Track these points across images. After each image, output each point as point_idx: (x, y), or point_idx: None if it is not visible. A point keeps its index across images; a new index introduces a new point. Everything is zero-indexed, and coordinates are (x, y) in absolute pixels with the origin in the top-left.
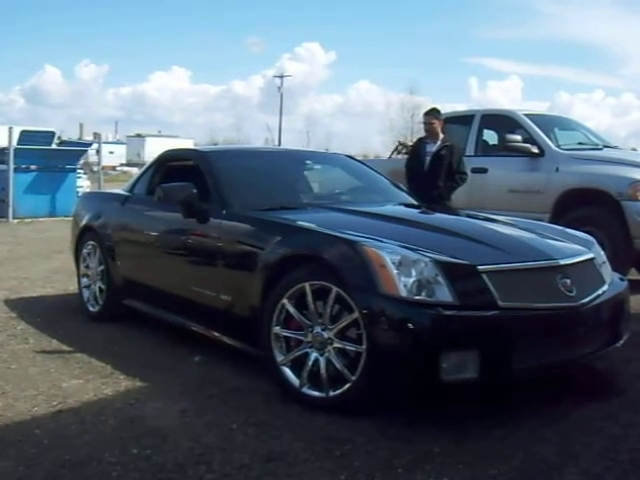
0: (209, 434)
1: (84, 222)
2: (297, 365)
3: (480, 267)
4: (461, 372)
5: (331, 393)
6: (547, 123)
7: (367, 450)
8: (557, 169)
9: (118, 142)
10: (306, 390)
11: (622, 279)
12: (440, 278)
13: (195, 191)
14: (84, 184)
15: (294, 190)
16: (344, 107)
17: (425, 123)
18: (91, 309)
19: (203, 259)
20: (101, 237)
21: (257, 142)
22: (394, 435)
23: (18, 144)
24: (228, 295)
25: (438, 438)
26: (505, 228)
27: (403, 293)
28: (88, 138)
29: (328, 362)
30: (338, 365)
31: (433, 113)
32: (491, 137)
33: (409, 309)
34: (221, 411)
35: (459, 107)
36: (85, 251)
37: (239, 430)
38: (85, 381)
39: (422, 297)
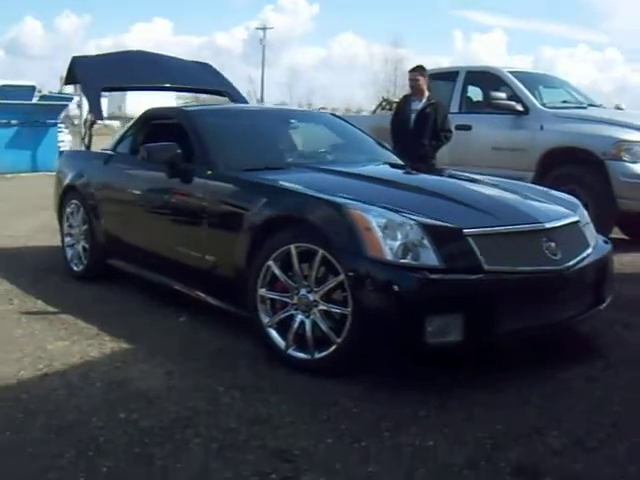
0: (195, 397)
1: (67, 181)
2: (283, 327)
3: (466, 230)
4: (445, 335)
5: (317, 355)
6: (532, 81)
7: (353, 413)
8: (541, 127)
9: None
10: (292, 352)
11: (606, 241)
12: (426, 241)
13: (179, 151)
14: (65, 138)
15: (279, 150)
16: (327, 60)
17: (410, 80)
18: (75, 268)
19: (187, 219)
20: (84, 196)
21: None
22: (380, 399)
23: None
24: (213, 256)
25: (424, 402)
26: (490, 190)
27: (388, 256)
28: (69, 91)
29: (314, 324)
30: (324, 327)
31: (418, 70)
32: (475, 94)
33: (394, 272)
34: (207, 373)
35: (443, 60)
36: (68, 210)
37: (225, 393)
38: (71, 343)
39: (407, 260)
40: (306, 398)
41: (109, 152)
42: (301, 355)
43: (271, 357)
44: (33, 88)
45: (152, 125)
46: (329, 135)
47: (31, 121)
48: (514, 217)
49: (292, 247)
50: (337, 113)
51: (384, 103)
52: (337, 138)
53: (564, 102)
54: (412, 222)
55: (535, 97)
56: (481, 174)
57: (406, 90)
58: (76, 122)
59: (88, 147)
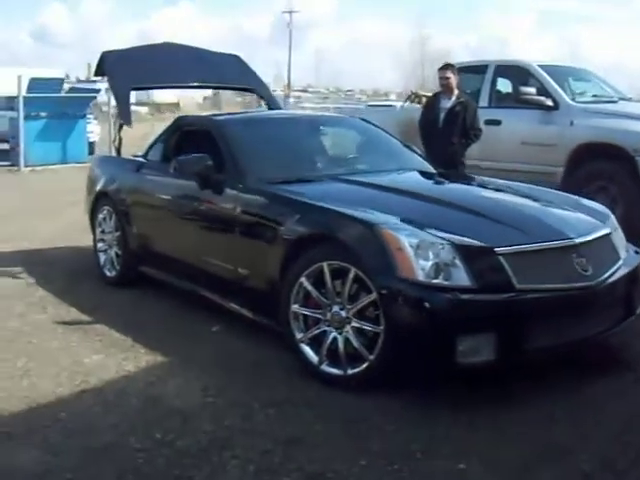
0: (231, 415)
1: (99, 187)
2: (316, 342)
3: (497, 249)
4: (477, 355)
5: (349, 371)
6: (561, 74)
7: (385, 432)
8: (572, 123)
9: None
10: (325, 367)
11: (637, 252)
12: (457, 261)
13: (210, 163)
14: (94, 129)
15: (309, 160)
16: (353, 42)
17: (440, 78)
18: (108, 274)
19: (219, 231)
20: (116, 203)
21: (266, 78)
22: (411, 417)
23: (27, 92)
24: (246, 269)
25: (453, 420)
26: (519, 202)
27: (420, 277)
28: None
29: (346, 341)
30: (356, 344)
31: (449, 68)
32: (505, 88)
33: (426, 293)
34: (242, 388)
35: (470, 39)
36: (101, 216)
37: (260, 410)
38: (106, 356)
39: (439, 281)
40: (340, 416)
41: (141, 159)
42: (334, 371)
43: (304, 370)
44: (62, 80)
45: (183, 133)
46: (359, 141)
47: (60, 113)
48: (544, 233)
49: (325, 264)
50: (364, 96)
51: (413, 96)
52: (367, 144)
53: (594, 96)
54: (444, 242)
55: (565, 91)
56: (510, 176)
57: (432, 75)
58: (104, 109)
59: (118, 150)
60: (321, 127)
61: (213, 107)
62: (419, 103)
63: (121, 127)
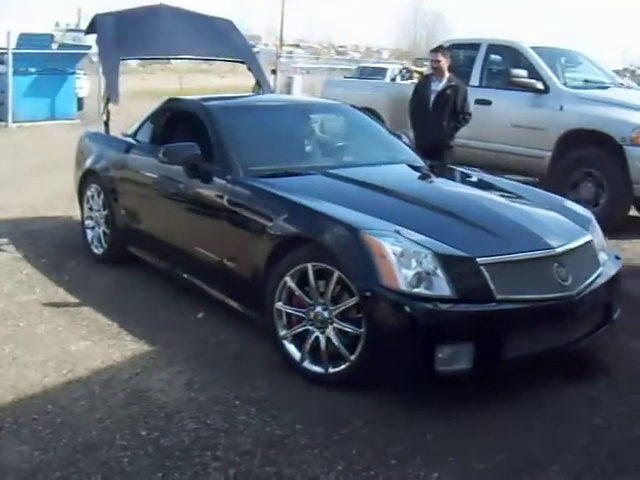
0: (213, 413)
1: (88, 165)
2: (299, 339)
3: (479, 259)
4: (455, 363)
5: (330, 370)
6: (554, 56)
7: (363, 435)
8: (561, 107)
9: None
10: (307, 365)
11: (618, 257)
12: (439, 271)
13: (199, 152)
14: (83, 84)
15: (299, 152)
16: None
17: (432, 60)
18: (96, 251)
19: (206, 221)
20: (104, 183)
21: (258, 31)
22: (389, 418)
23: (16, 47)
24: (232, 262)
25: (431, 423)
26: (504, 205)
27: (402, 286)
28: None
29: (328, 340)
30: (338, 344)
31: (439, 51)
32: (497, 68)
33: (407, 301)
34: (224, 384)
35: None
36: (89, 193)
37: (242, 408)
38: (93, 343)
39: (420, 290)
40: (320, 415)
41: (130, 140)
42: (315, 368)
43: (286, 366)
44: (52, 36)
45: (173, 115)
46: (348, 131)
47: (49, 69)
48: (526, 242)
49: (309, 265)
50: (357, 53)
51: (404, 71)
52: (356, 134)
53: (585, 81)
54: (427, 251)
55: (557, 75)
56: (499, 158)
57: (425, 35)
58: (94, 59)
59: (107, 124)
60: (311, 116)
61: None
62: (410, 78)
63: (109, 100)
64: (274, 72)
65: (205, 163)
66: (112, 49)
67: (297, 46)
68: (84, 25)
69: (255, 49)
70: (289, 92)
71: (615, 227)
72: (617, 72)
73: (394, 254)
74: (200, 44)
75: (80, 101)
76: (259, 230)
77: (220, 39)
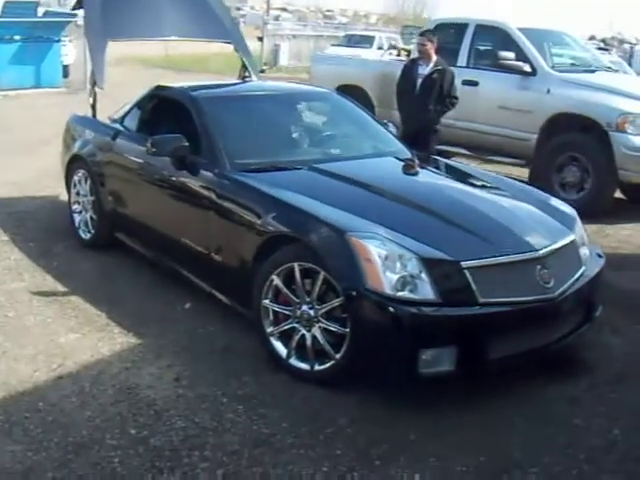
0: (201, 410)
1: (75, 150)
2: (285, 336)
3: (463, 263)
4: (438, 365)
5: (316, 367)
6: (541, 38)
7: (348, 434)
8: (548, 91)
9: None
10: (293, 361)
11: (600, 255)
12: (424, 275)
13: (186, 144)
14: (69, 52)
15: (286, 145)
16: None
17: (418, 44)
18: (83, 236)
19: (194, 213)
20: (91, 169)
21: None
22: (374, 417)
23: (1, 15)
24: (219, 255)
25: (415, 422)
26: (488, 203)
27: (387, 289)
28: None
29: (314, 338)
30: (323, 343)
31: (427, 35)
32: (484, 49)
33: (391, 305)
34: (212, 379)
35: None
36: (76, 178)
37: (229, 405)
38: (82, 335)
39: (405, 293)
40: (305, 414)
41: (118, 127)
42: (301, 365)
43: (272, 362)
44: (36, 4)
45: (161, 103)
46: (336, 121)
47: (34, 37)
48: (510, 244)
49: (295, 265)
50: (344, 17)
51: (391, 48)
52: (344, 125)
53: (572, 65)
54: (411, 254)
55: (544, 57)
56: (485, 139)
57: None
58: (79, 22)
59: (93, 107)
60: (298, 106)
61: None
62: (398, 56)
63: (95, 84)
64: (260, 39)
65: (192, 155)
66: (99, 29)
67: (284, 10)
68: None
69: (242, 12)
70: (276, 59)
71: (599, 212)
72: (604, 41)
73: (379, 257)
74: (190, 25)
75: (66, 68)
76: (247, 226)
77: (209, 19)
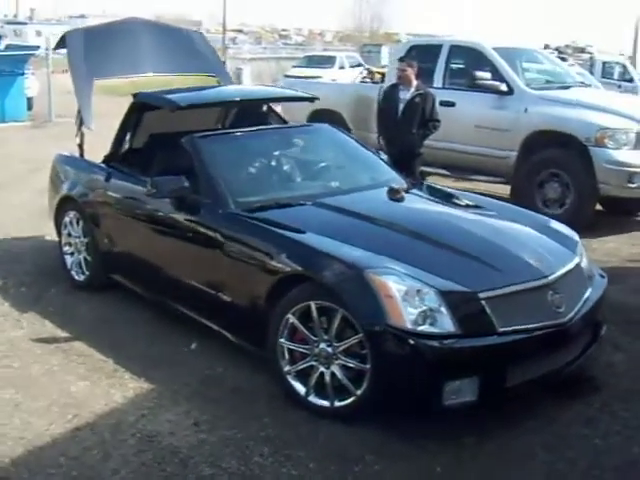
0: (226, 455)
1: (65, 191)
2: (303, 374)
3: (481, 294)
4: (460, 396)
5: (337, 403)
6: (515, 57)
7: (376, 472)
8: (526, 110)
9: (58, 22)
10: (312, 399)
11: (602, 275)
12: (443, 308)
13: (187, 184)
14: (32, 84)
15: (286, 181)
16: None
17: (399, 69)
18: (76, 277)
19: (199, 254)
20: (84, 211)
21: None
22: (398, 451)
23: None
24: (228, 296)
25: (438, 454)
26: (494, 230)
27: (408, 324)
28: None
29: (333, 375)
30: (343, 379)
31: (407, 60)
32: (459, 70)
33: (412, 339)
34: (231, 422)
35: None
36: (67, 219)
37: (254, 449)
38: (92, 383)
39: (425, 327)
40: (331, 452)
41: (109, 168)
42: (322, 402)
43: (288, 399)
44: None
45: (156, 143)
46: (333, 155)
47: None
48: (522, 272)
49: (312, 303)
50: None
51: (365, 73)
52: (339, 157)
53: (547, 82)
54: (430, 288)
55: (519, 76)
56: (464, 159)
57: (370, 15)
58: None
59: (81, 147)
60: (294, 140)
61: None
62: (372, 79)
63: (82, 123)
64: (223, 63)
65: (193, 196)
66: (84, 69)
67: (240, 31)
68: (22, 15)
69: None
70: (239, 82)
71: (582, 226)
72: (558, 49)
73: (399, 292)
74: (174, 60)
75: (30, 101)
76: (258, 266)
77: (192, 53)
